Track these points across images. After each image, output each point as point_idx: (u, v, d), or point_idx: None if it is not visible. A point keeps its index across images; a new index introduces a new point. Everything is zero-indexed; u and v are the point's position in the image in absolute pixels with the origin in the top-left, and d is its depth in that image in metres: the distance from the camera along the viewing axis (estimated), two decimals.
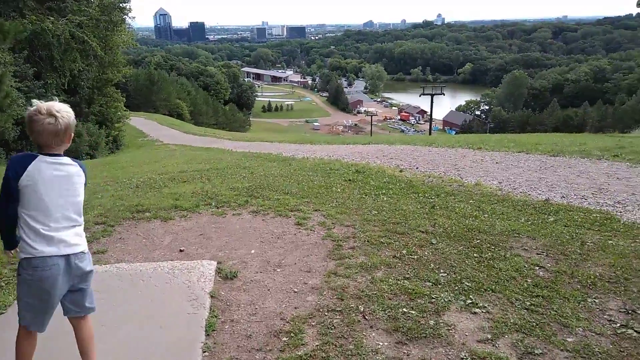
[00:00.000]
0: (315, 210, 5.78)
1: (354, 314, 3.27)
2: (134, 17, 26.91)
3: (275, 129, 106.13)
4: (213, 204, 6.10)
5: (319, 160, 11.16)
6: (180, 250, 4.58)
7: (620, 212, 5.46)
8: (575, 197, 6.26)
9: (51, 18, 19.15)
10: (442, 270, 3.97)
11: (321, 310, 3.34)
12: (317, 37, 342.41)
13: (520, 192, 6.72)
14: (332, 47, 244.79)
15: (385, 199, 6.55)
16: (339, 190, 7.11)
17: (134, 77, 58.11)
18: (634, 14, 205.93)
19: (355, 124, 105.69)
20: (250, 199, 6.30)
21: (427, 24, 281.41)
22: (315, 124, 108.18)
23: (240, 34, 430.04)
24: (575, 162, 8.83)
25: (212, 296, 3.55)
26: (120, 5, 23.76)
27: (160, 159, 16.86)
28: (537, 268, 4.01)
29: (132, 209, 5.95)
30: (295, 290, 3.68)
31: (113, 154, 25.63)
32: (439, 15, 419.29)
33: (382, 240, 4.67)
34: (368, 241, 4.64)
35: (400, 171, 9.15)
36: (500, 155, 10.42)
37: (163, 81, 61.85)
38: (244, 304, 3.49)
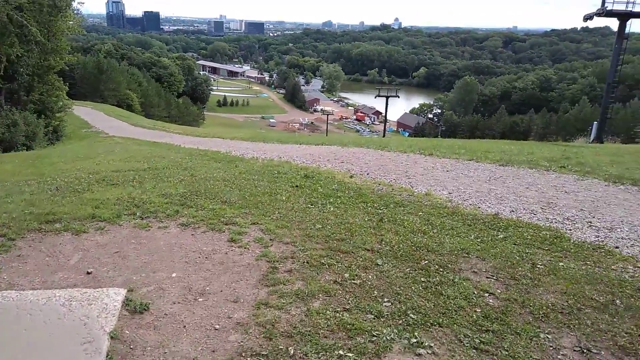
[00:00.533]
0: (254, 223, 5.24)
1: (282, 359, 2.79)
2: (82, 3, 25.20)
3: (230, 124, 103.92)
4: (138, 213, 5.42)
5: (267, 162, 10.61)
6: (88, 273, 3.92)
7: (570, 229, 5.31)
8: (524, 211, 6.10)
9: None
10: (386, 299, 3.56)
11: (244, 354, 2.83)
12: (275, 34, 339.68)
13: (470, 205, 6.50)
14: (291, 44, 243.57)
15: (332, 209, 6.12)
16: (283, 198, 6.60)
17: (81, 64, 54.94)
18: (578, 28, 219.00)
19: (312, 122, 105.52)
20: (181, 209, 5.66)
21: (384, 27, 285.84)
22: (272, 120, 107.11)
23: (197, 26, 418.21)
24: (523, 172, 8.81)
25: (112, 337, 2.94)
26: None
27: (98, 154, 15.65)
28: (487, 295, 3.70)
29: (41, 219, 5.16)
30: (217, 327, 3.14)
31: (52, 145, 23.79)
32: (396, 19, 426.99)
33: (323, 260, 4.22)
34: (308, 262, 4.17)
35: (351, 177, 8.78)
36: (451, 162, 10.30)
37: (112, 70, 58.91)
38: (151, 346, 2.91)
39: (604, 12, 20.64)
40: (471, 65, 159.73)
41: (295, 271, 3.98)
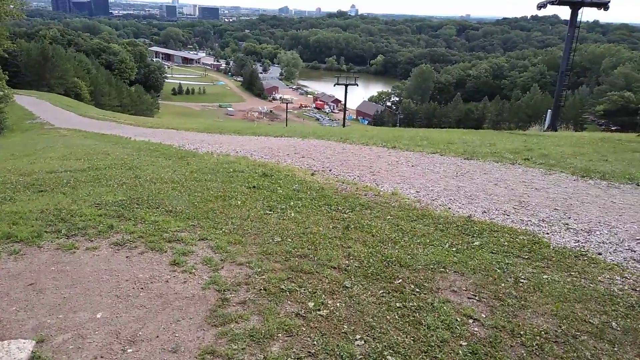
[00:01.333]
0: (202, 239, 4.55)
1: None
2: None
3: (186, 113, 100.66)
4: (63, 231, 4.59)
5: (223, 158, 9.84)
6: None
7: (547, 233, 4.97)
8: (497, 212, 5.73)
9: None
10: (358, 336, 3.01)
11: None
12: (231, 20, 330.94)
13: (440, 205, 6.08)
14: (247, 30, 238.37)
15: (293, 215, 5.52)
16: (238, 203, 5.93)
17: (25, 51, 51.14)
18: (529, 17, 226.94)
19: (271, 111, 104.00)
20: (117, 222, 4.88)
21: (341, 14, 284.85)
22: (230, 109, 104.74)
23: (149, 10, 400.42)
24: (489, 167, 8.52)
25: None
26: None
27: (37, 150, 14.28)
28: (471, 322, 3.24)
29: None
30: None
31: None
32: (353, 6, 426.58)
33: (283, 285, 3.62)
34: (265, 289, 3.56)
35: (312, 174, 8.20)
36: (415, 156, 9.91)
37: (58, 57, 55.40)
38: None
39: (557, 1, 20.92)
40: (427, 53, 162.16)
41: (250, 302, 3.36)
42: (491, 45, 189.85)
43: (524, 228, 5.14)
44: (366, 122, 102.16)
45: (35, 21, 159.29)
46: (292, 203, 6.03)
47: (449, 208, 5.93)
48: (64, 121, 26.93)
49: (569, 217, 5.43)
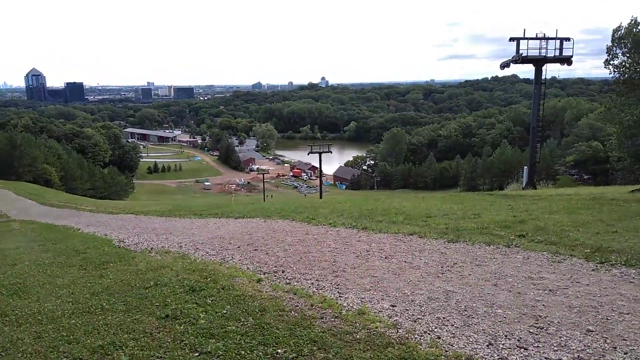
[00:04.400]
0: None
1: None
2: None
3: (161, 190, 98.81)
4: None
5: (154, 262, 7.90)
6: None
7: None
8: (508, 343, 3.92)
9: None
10: None
11: None
12: (206, 97, 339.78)
13: (426, 332, 4.24)
14: (222, 106, 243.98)
15: None
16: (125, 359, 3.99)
17: None
18: (489, 77, 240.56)
19: (248, 182, 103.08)
20: None
21: (312, 86, 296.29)
22: (207, 183, 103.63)
23: (124, 94, 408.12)
24: (481, 253, 6.82)
25: None
26: None
27: None
28: None
29: None
30: None
31: None
32: (323, 78, 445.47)
33: None
34: None
35: (259, 281, 6.34)
36: (389, 241, 8.19)
37: (27, 145, 53.91)
38: None
39: (519, 59, 20.70)
40: (397, 117, 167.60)
41: None
42: (457, 106, 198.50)
43: None
44: (344, 186, 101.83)
45: (9, 111, 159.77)
46: (212, 347, 4.12)
47: (439, 338, 4.09)
48: (21, 211, 24.80)
49: (615, 348, 3.65)
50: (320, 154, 44.55)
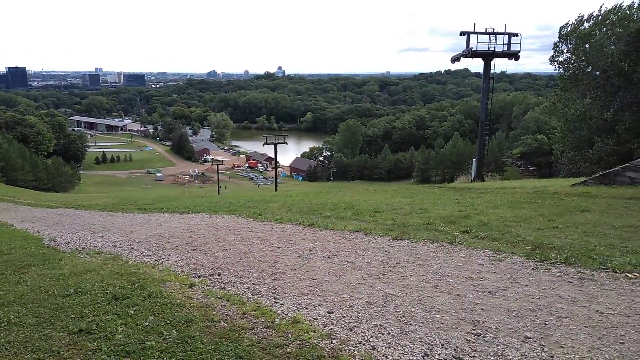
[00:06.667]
0: None
1: None
2: None
3: (110, 182, 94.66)
4: None
5: (79, 264, 7.22)
6: None
7: None
8: (445, 353, 3.71)
9: None
10: None
11: None
12: (158, 85, 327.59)
13: (361, 342, 3.96)
14: (175, 95, 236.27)
15: None
16: None
17: None
18: (442, 71, 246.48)
19: (202, 173, 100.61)
20: None
21: (269, 76, 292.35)
22: (159, 174, 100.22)
23: (70, 80, 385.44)
24: (424, 251, 6.67)
25: None
26: None
27: None
28: None
29: None
30: None
31: None
32: (280, 68, 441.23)
33: None
34: None
35: (191, 286, 5.87)
36: (334, 239, 7.92)
37: None
38: None
39: (469, 54, 21.03)
40: (353, 108, 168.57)
41: None
42: (412, 99, 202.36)
43: None
44: (300, 177, 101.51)
45: None
46: None
47: (373, 349, 3.83)
48: None
49: (552, 357, 3.51)
50: (275, 145, 43.94)
